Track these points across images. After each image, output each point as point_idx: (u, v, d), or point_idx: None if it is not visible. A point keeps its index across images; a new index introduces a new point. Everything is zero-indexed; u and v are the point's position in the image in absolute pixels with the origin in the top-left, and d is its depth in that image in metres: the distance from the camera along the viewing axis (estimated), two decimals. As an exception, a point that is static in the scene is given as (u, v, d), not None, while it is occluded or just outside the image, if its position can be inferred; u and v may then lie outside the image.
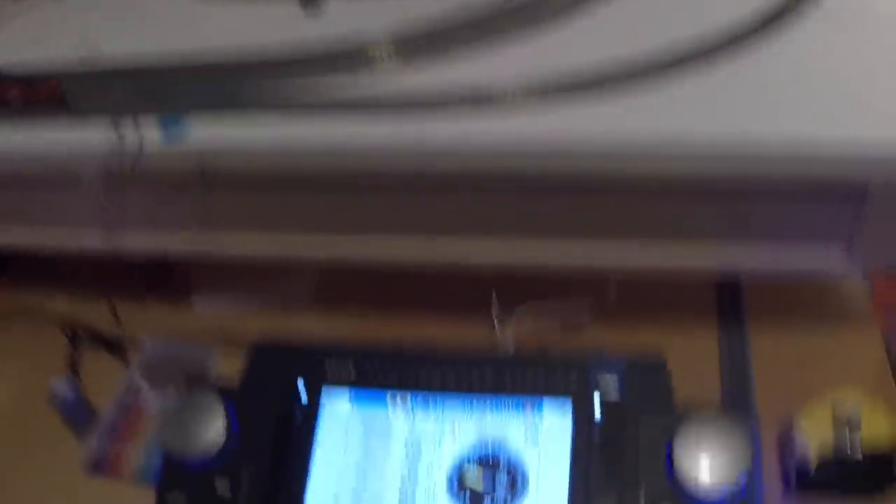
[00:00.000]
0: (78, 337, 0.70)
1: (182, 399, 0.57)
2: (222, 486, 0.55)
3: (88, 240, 0.62)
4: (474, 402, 0.56)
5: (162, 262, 0.75)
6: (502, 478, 0.54)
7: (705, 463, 0.51)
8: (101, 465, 0.62)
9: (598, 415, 0.55)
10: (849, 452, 0.55)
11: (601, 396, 0.55)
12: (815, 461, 0.55)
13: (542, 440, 0.55)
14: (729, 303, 0.69)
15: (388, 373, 0.58)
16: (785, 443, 0.58)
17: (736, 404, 0.64)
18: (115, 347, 0.69)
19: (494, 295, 0.67)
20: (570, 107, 0.51)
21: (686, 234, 0.57)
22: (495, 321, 0.68)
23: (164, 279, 0.74)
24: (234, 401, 0.57)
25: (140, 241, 0.62)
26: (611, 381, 0.56)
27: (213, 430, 0.55)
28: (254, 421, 0.57)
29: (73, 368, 0.68)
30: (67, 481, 0.62)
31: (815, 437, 0.55)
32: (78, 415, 0.63)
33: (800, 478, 0.56)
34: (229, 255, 0.62)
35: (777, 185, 0.51)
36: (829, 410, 0.56)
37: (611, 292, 0.67)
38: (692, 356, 0.64)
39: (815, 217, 0.54)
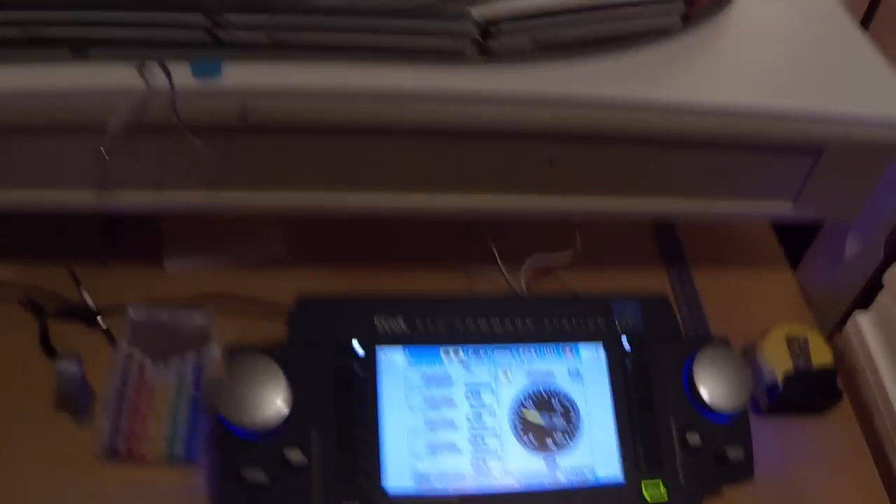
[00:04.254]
0: (43, 311, 0.61)
1: (231, 367, 0.53)
2: (294, 453, 0.52)
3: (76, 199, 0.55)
4: (520, 350, 0.59)
5: (119, 222, 0.68)
6: (558, 412, 0.58)
7: (721, 387, 0.60)
8: (117, 451, 0.55)
9: (627, 347, 0.61)
10: (804, 371, 0.66)
11: (627, 332, 0.61)
12: (782, 379, 0.66)
13: (585, 377, 0.60)
14: (672, 253, 0.80)
15: (438, 328, 0.59)
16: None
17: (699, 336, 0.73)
18: (85, 316, 0.61)
19: (494, 245, 0.70)
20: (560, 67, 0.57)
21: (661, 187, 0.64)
22: (503, 271, 0.70)
23: (123, 240, 0.67)
24: (286, 362, 0.54)
25: (135, 199, 0.56)
26: (632, 318, 0.63)
27: (276, 396, 0.53)
28: (311, 382, 0.54)
29: (48, 345, 0.59)
30: (81, 469, 0.55)
31: (776, 360, 0.67)
32: (81, 396, 0.55)
33: (771, 395, 0.67)
34: (231, 209, 0.59)
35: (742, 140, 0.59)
36: (783, 339, 0.68)
37: (578, 244, 0.73)
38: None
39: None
